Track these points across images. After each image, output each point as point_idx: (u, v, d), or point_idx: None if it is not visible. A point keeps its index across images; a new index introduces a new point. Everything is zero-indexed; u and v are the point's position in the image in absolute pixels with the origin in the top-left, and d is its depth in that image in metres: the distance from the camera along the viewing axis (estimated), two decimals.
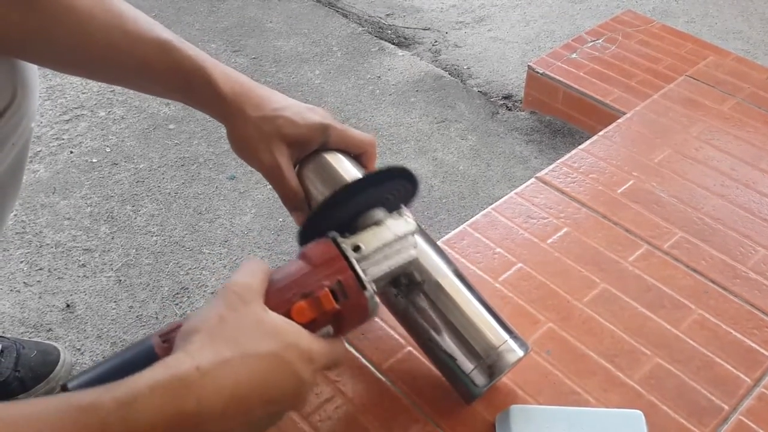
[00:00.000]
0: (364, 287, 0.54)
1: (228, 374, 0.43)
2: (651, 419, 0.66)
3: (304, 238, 0.61)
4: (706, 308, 0.80)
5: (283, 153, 0.63)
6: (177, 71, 0.61)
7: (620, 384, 0.71)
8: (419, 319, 0.63)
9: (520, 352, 0.62)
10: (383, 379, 0.71)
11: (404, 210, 0.63)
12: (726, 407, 0.69)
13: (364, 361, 0.72)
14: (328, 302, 0.52)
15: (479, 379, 0.61)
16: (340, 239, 0.56)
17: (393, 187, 0.63)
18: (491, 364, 0.61)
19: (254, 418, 0.45)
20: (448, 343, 0.62)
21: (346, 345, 0.73)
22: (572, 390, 0.70)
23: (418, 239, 0.63)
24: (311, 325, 0.51)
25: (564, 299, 0.80)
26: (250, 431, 0.46)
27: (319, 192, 0.65)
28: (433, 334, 0.62)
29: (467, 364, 0.61)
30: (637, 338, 0.76)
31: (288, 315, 0.50)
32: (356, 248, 0.57)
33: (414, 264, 0.61)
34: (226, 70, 0.63)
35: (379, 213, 0.62)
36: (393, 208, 0.63)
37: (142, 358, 0.48)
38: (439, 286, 0.62)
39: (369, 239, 0.58)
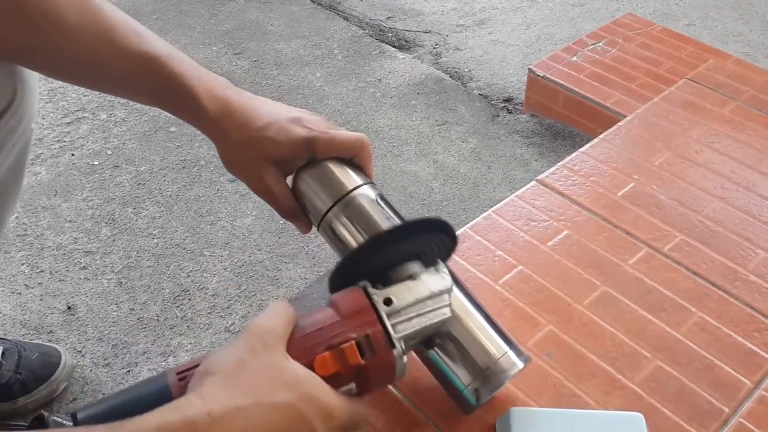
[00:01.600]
0: (392, 345, 0.51)
1: (240, 423, 0.42)
2: (651, 422, 0.66)
3: (335, 282, 0.58)
4: (707, 311, 0.80)
5: (271, 174, 0.62)
6: (163, 88, 0.60)
7: (621, 387, 0.71)
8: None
9: (520, 364, 0.61)
10: None
11: (441, 266, 0.60)
12: (726, 410, 0.69)
13: None
14: (353, 356, 0.49)
15: (478, 390, 0.60)
16: (371, 290, 0.54)
17: (431, 240, 0.60)
18: (491, 375, 0.60)
19: None
20: (447, 353, 0.61)
21: None
22: (573, 392, 0.70)
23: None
24: (334, 380, 0.49)
25: (564, 302, 0.80)
26: None
27: (320, 199, 0.63)
28: (433, 345, 0.62)
29: (467, 376, 0.60)
30: (637, 341, 0.76)
31: (310, 365, 0.48)
32: (388, 301, 0.54)
33: (447, 323, 0.58)
34: (212, 85, 0.61)
35: (415, 266, 0.58)
36: (430, 262, 0.60)
37: (156, 394, 0.47)
38: None
39: (402, 293, 0.55)
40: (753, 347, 0.76)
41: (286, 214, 0.66)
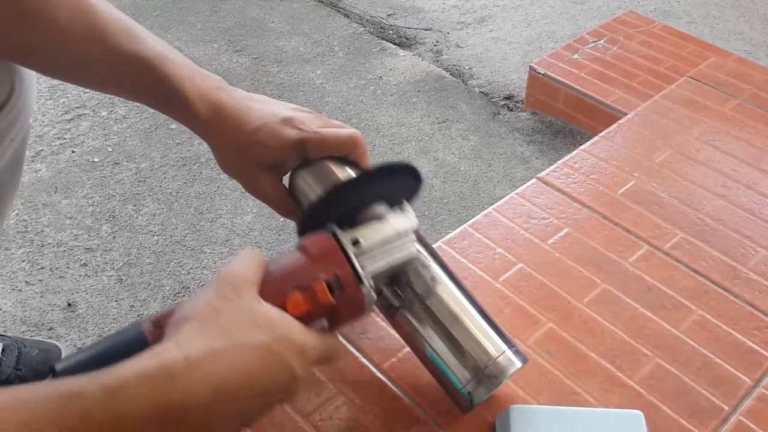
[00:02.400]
0: (361, 282, 0.53)
1: (217, 365, 0.43)
2: (651, 420, 0.66)
3: (304, 229, 0.60)
4: (707, 309, 0.80)
5: (265, 178, 0.63)
6: (154, 90, 0.60)
7: (620, 384, 0.71)
8: (417, 328, 0.62)
9: (518, 363, 0.61)
10: (384, 378, 0.71)
11: (406, 206, 0.62)
12: (726, 408, 0.69)
13: (364, 360, 0.72)
14: (324, 296, 0.51)
15: (476, 389, 0.60)
16: (339, 232, 0.55)
17: (396, 183, 0.62)
18: (489, 374, 0.60)
19: (242, 410, 0.45)
20: (445, 352, 0.61)
21: (347, 345, 0.73)
22: (572, 390, 0.70)
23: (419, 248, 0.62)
24: (306, 319, 0.51)
25: (564, 300, 0.80)
26: (237, 423, 0.45)
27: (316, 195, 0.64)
28: (431, 343, 0.62)
29: (465, 374, 0.60)
30: (637, 339, 0.76)
31: (283, 307, 0.50)
32: (355, 242, 0.56)
33: (413, 261, 0.60)
34: (205, 87, 0.61)
35: (380, 208, 0.60)
36: (395, 204, 0.62)
37: (132, 343, 0.48)
38: (437, 295, 0.62)
39: (369, 234, 0.57)
40: (753, 345, 0.76)
41: (285, 214, 0.66)
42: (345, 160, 0.64)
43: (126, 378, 0.40)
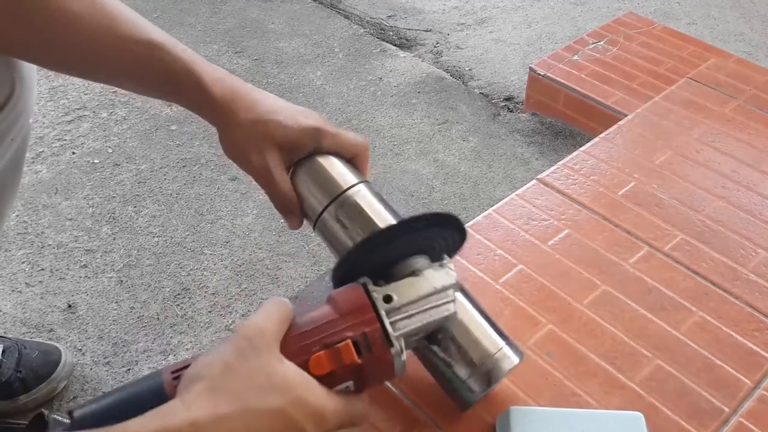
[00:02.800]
0: (390, 343, 0.50)
1: (224, 431, 0.41)
2: (651, 421, 0.66)
3: (337, 278, 0.57)
4: (707, 310, 0.80)
5: (274, 156, 0.62)
6: (168, 74, 0.60)
7: (621, 386, 0.71)
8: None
9: (516, 359, 0.61)
10: None
11: (447, 261, 0.59)
12: (726, 409, 0.69)
13: None
14: (349, 355, 0.48)
15: (474, 386, 0.60)
16: (371, 287, 0.52)
17: (438, 235, 0.59)
18: (487, 371, 0.60)
19: None
20: (443, 349, 0.61)
21: None
22: (573, 392, 0.70)
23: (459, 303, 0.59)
24: (329, 379, 0.48)
25: (565, 301, 0.80)
26: None
27: (314, 196, 0.63)
28: (428, 341, 0.62)
29: (463, 372, 0.60)
30: (637, 340, 0.76)
31: (305, 366, 0.47)
32: (388, 299, 0.52)
33: (450, 320, 0.57)
34: (218, 73, 0.62)
35: (419, 261, 0.57)
36: (435, 258, 0.59)
37: (150, 393, 0.47)
38: None
39: (404, 290, 0.53)
40: (753, 346, 0.76)
41: (281, 200, 0.64)
42: (347, 162, 0.65)
43: None
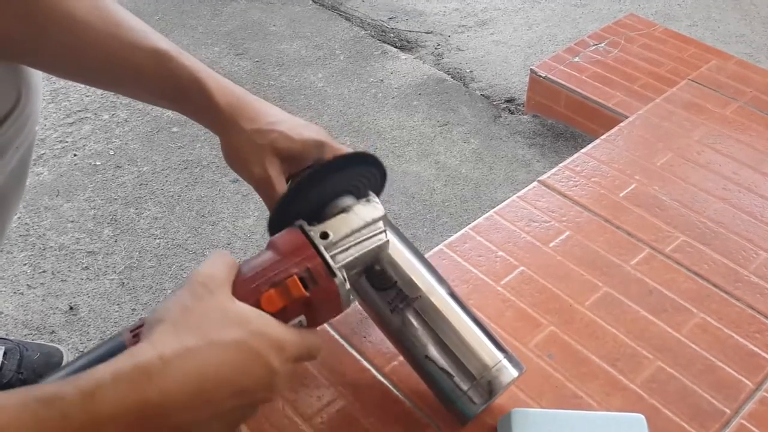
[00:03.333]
0: (333, 274, 0.53)
1: (192, 363, 0.43)
2: (653, 423, 0.66)
3: (273, 228, 0.60)
4: (708, 312, 0.80)
5: (274, 166, 0.63)
6: (172, 81, 0.61)
7: (622, 388, 0.71)
8: (412, 340, 0.62)
9: (515, 373, 0.61)
10: (385, 381, 0.71)
11: (373, 197, 0.63)
12: (728, 411, 0.69)
13: (366, 363, 0.72)
14: (297, 289, 0.51)
15: (473, 399, 0.60)
16: (307, 227, 0.56)
17: (361, 174, 0.63)
18: (485, 384, 0.60)
19: (224, 409, 0.44)
20: (441, 363, 0.61)
21: (348, 348, 0.73)
22: (574, 393, 0.70)
23: (393, 239, 0.62)
24: (282, 315, 0.51)
25: (566, 303, 0.80)
26: (222, 423, 0.45)
27: None
28: (426, 354, 0.61)
29: (461, 385, 0.60)
30: (638, 342, 0.76)
31: (257, 305, 0.50)
32: (324, 235, 0.56)
33: (384, 250, 0.61)
34: (222, 81, 0.62)
35: (347, 200, 0.61)
36: (362, 195, 0.63)
37: (115, 353, 0.47)
38: (431, 305, 0.61)
39: (337, 226, 0.58)
40: (754, 348, 0.76)
41: None
42: None
43: (103, 379, 0.40)
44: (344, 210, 0.60)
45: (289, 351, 0.48)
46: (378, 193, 0.66)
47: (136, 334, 0.49)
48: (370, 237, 0.59)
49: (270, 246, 0.55)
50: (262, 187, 0.64)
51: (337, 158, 0.60)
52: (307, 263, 0.53)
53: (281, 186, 0.63)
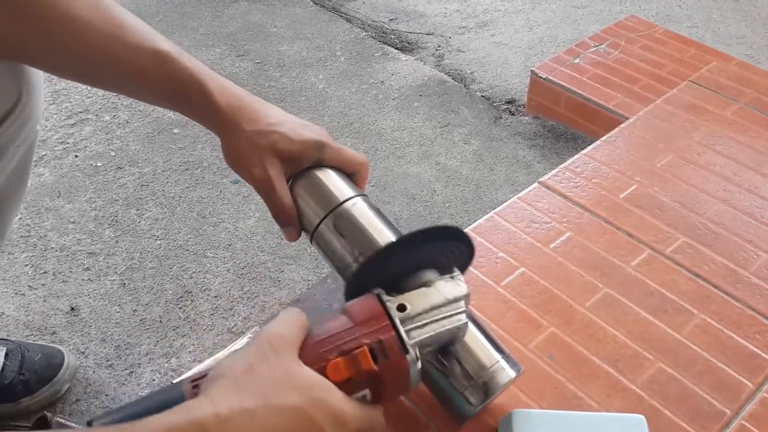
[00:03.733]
0: (406, 350, 0.50)
1: (248, 424, 0.42)
2: (653, 424, 0.66)
3: (350, 291, 0.58)
4: (709, 313, 0.80)
5: (275, 167, 0.63)
6: (173, 82, 0.61)
7: (622, 389, 0.71)
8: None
9: (513, 374, 0.61)
10: None
11: (458, 274, 0.60)
12: (728, 412, 0.69)
13: None
14: (366, 361, 0.49)
15: (470, 399, 0.60)
16: (385, 297, 0.53)
17: (448, 249, 0.60)
18: (482, 384, 0.60)
19: None
20: (440, 364, 0.61)
21: None
22: (575, 394, 0.70)
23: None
24: (347, 386, 0.48)
25: (566, 304, 0.80)
26: None
27: (312, 208, 0.63)
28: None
29: (459, 386, 0.60)
30: (639, 343, 0.76)
31: (323, 372, 0.48)
32: (401, 308, 0.53)
33: (463, 330, 0.58)
34: (224, 82, 0.62)
35: (429, 274, 0.59)
36: (445, 271, 0.60)
37: (172, 403, 0.47)
38: None
39: (417, 300, 0.55)
40: (755, 349, 0.76)
41: (280, 212, 0.65)
42: (345, 176, 0.66)
43: (156, 430, 0.40)
44: (426, 284, 0.57)
45: (350, 425, 0.47)
46: (463, 271, 0.63)
47: (196, 385, 0.48)
48: (450, 316, 0.56)
49: (345, 311, 0.53)
50: (263, 188, 0.63)
51: (429, 229, 0.57)
52: (380, 335, 0.50)
53: (282, 187, 0.63)
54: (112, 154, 1.52)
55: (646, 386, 0.71)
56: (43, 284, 1.22)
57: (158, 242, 1.31)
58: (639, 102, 1.33)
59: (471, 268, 0.84)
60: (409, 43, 1.99)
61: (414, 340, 0.53)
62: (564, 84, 1.46)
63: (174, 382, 0.50)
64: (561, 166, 1.02)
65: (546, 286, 0.82)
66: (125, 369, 1.09)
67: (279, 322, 0.50)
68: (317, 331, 0.51)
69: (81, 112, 1.63)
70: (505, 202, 0.96)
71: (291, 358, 0.47)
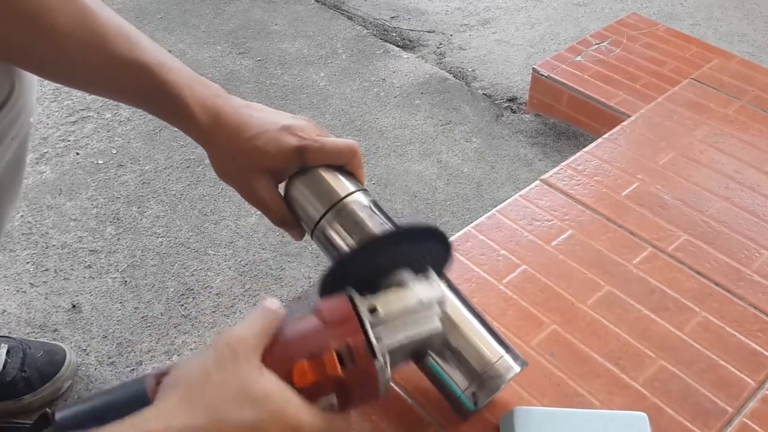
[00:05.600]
0: (374, 356, 0.48)
1: None
2: (655, 421, 0.66)
3: (324, 289, 0.57)
4: (711, 311, 0.80)
5: (262, 183, 0.63)
6: (153, 97, 0.60)
7: (624, 386, 0.71)
8: None
9: (517, 368, 0.61)
10: None
11: (432, 274, 0.58)
12: (730, 410, 0.69)
13: None
14: (332, 367, 0.46)
15: (475, 395, 0.60)
16: (357, 298, 0.51)
17: (424, 249, 0.59)
18: (487, 380, 0.60)
19: None
20: (443, 359, 0.61)
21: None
22: (576, 392, 0.70)
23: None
24: (313, 390, 0.46)
25: (568, 301, 0.80)
26: None
27: (310, 206, 0.63)
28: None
29: (463, 381, 0.60)
30: (641, 341, 0.76)
31: (289, 375, 0.46)
32: (372, 310, 0.51)
33: (437, 336, 0.55)
34: (204, 95, 0.61)
35: (404, 274, 0.57)
36: (421, 271, 0.59)
37: (133, 398, 0.47)
38: None
39: (389, 302, 0.52)
40: (757, 347, 0.76)
41: (279, 222, 0.65)
42: (338, 169, 0.64)
43: None
44: (400, 285, 0.56)
45: None
46: (440, 272, 0.62)
47: (160, 381, 0.47)
48: (423, 320, 0.53)
49: (315, 310, 0.51)
50: (256, 205, 0.64)
51: (402, 229, 0.56)
52: (348, 338, 0.48)
53: (271, 200, 0.63)
54: (114, 151, 1.52)
55: (648, 384, 0.71)
56: (44, 282, 1.22)
57: (159, 240, 1.31)
58: (641, 100, 1.33)
59: (472, 266, 0.84)
60: (410, 41, 1.99)
61: (384, 344, 0.50)
62: (566, 82, 1.46)
63: (140, 376, 0.49)
64: (563, 163, 1.02)
65: (547, 284, 0.82)
66: (127, 366, 1.09)
67: (244, 323, 0.48)
68: (286, 330, 0.49)
69: (82, 110, 1.63)
70: (506, 199, 0.96)
71: (251, 364, 0.45)
